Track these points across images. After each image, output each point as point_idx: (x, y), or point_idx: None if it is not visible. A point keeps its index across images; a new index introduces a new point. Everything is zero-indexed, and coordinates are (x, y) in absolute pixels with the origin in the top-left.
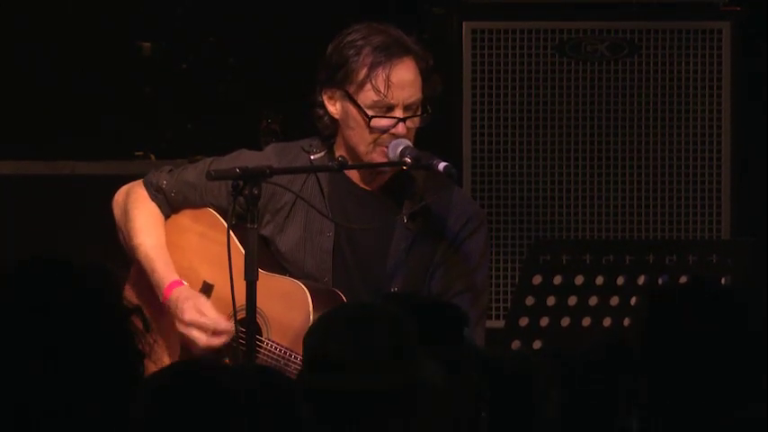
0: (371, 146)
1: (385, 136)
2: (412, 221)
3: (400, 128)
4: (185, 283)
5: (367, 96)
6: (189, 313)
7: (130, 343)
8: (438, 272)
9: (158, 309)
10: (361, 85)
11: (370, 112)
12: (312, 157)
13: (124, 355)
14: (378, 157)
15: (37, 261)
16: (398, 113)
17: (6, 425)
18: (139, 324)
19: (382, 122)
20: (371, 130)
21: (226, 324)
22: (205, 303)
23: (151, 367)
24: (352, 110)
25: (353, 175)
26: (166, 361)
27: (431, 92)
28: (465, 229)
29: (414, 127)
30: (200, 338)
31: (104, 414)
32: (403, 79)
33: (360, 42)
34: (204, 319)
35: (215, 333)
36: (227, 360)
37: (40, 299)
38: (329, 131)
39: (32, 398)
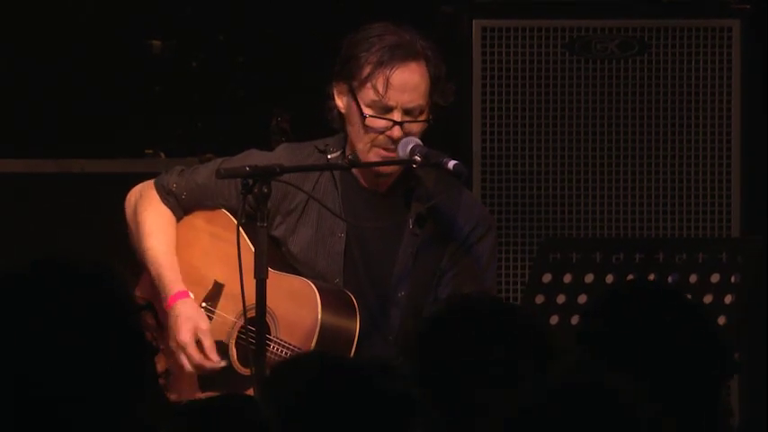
0: (368, 145)
1: (381, 137)
2: (419, 226)
3: (396, 131)
4: (191, 295)
5: (366, 95)
6: (184, 336)
7: (143, 339)
8: (446, 276)
9: (164, 310)
10: (363, 83)
11: (366, 111)
12: (329, 157)
13: (137, 350)
14: (374, 159)
15: (47, 261)
16: (396, 116)
17: (19, 422)
18: (151, 320)
19: (377, 123)
20: (366, 129)
21: (212, 364)
22: (204, 329)
23: (163, 362)
24: (353, 105)
25: (361, 177)
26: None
27: (441, 99)
28: (474, 234)
29: (415, 131)
30: (186, 365)
31: (117, 410)
32: (405, 82)
33: (372, 39)
34: (194, 351)
35: (199, 368)
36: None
37: (51, 298)
38: (338, 125)
39: (45, 395)
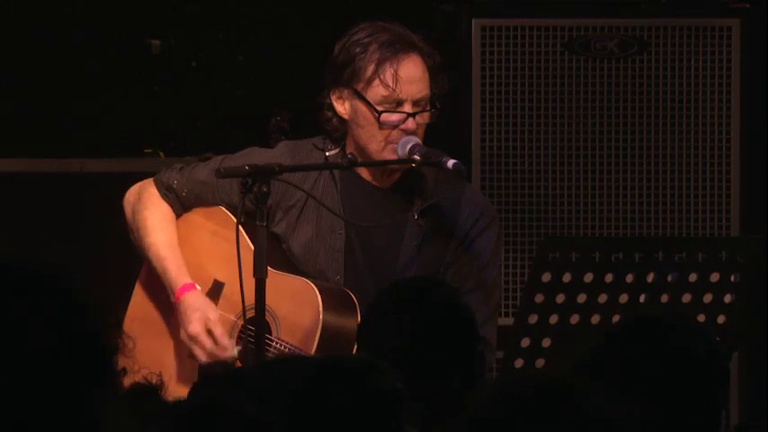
0: (382, 143)
1: (395, 132)
2: (423, 219)
3: (410, 123)
4: (198, 287)
5: (376, 92)
6: (194, 327)
7: (98, 338)
8: (449, 270)
9: (170, 306)
10: (370, 82)
11: (379, 108)
12: (327, 154)
13: (96, 349)
14: (389, 155)
15: (2, 263)
16: (407, 108)
17: None
18: (112, 318)
19: (392, 117)
20: (381, 126)
21: (226, 351)
22: (213, 319)
23: (123, 361)
24: (362, 107)
25: (365, 173)
26: (171, 359)
27: (438, 89)
28: (476, 226)
29: (423, 123)
30: (200, 356)
31: (76, 409)
32: (411, 74)
33: (366, 40)
34: (206, 340)
35: (213, 356)
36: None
37: (6, 299)
38: (338, 133)
39: (3, 396)
